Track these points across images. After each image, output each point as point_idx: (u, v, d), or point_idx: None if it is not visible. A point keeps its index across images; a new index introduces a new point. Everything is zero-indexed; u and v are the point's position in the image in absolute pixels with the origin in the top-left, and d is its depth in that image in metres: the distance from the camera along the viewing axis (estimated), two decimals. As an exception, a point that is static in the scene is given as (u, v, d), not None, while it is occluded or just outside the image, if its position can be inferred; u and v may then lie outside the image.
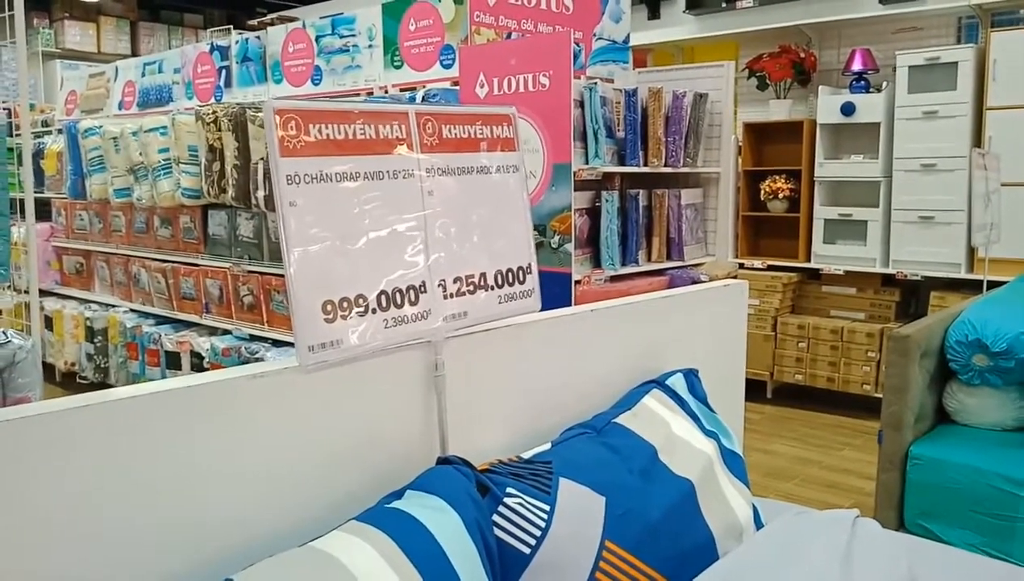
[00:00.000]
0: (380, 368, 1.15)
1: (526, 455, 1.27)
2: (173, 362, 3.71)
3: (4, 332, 1.76)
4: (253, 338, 3.45)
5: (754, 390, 4.67)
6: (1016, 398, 2.46)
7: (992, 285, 3.45)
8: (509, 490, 1.13)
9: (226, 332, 3.62)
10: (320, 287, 1.04)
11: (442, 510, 1.03)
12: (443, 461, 1.14)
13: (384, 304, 1.12)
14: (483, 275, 1.26)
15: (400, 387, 1.18)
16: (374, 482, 1.14)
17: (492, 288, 1.28)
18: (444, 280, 1.20)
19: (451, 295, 1.21)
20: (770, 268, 4.78)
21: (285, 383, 1.04)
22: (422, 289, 1.17)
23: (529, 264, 1.34)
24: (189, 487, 0.94)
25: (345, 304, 1.07)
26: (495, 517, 1.10)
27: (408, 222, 1.15)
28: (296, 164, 1.01)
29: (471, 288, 1.24)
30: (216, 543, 0.97)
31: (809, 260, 4.71)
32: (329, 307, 1.06)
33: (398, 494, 1.08)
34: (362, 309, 1.09)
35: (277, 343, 3.35)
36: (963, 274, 4.15)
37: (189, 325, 3.86)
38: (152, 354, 3.79)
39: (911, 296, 4.59)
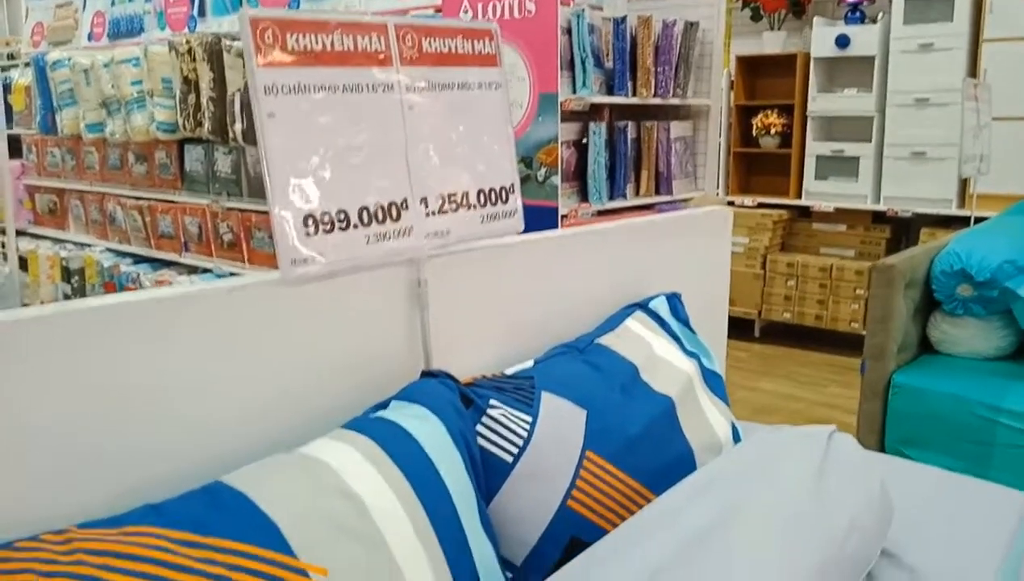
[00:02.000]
0: (363, 285, 1.16)
1: (508, 372, 1.28)
2: (154, 301, 3.69)
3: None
4: (234, 276, 3.45)
5: (742, 329, 4.71)
6: (998, 327, 2.49)
7: (981, 221, 3.46)
8: (492, 402, 1.15)
9: (206, 271, 3.61)
10: (301, 201, 1.04)
11: (426, 418, 1.05)
12: (427, 375, 1.16)
13: (366, 220, 1.12)
14: (466, 194, 1.26)
15: (383, 304, 1.19)
16: (358, 397, 1.15)
17: (475, 207, 1.28)
18: (426, 197, 1.20)
19: (433, 213, 1.21)
20: (760, 206, 4.78)
21: (267, 297, 1.05)
22: (404, 206, 1.17)
23: (512, 184, 1.34)
24: (168, 399, 0.96)
25: (327, 218, 1.07)
26: (478, 427, 1.13)
27: (389, 137, 1.14)
28: (273, 74, 1.00)
29: (453, 206, 1.24)
30: (197, 457, 0.99)
31: (800, 197, 4.71)
32: (310, 221, 1.06)
33: (383, 405, 1.10)
34: (343, 224, 1.10)
35: (261, 280, 3.33)
36: (954, 210, 4.16)
37: (168, 264, 3.83)
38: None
39: (902, 233, 4.61)
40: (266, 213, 2.98)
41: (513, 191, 1.34)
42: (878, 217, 4.55)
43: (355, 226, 1.11)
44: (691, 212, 1.89)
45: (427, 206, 1.21)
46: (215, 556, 0.81)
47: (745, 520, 1.06)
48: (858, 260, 4.59)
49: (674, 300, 1.64)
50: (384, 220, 1.15)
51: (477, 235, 1.29)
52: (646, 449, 1.27)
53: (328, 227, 1.08)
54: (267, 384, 1.06)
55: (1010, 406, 2.17)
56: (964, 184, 4.10)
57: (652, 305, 1.60)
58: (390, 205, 1.16)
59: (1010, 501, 1.49)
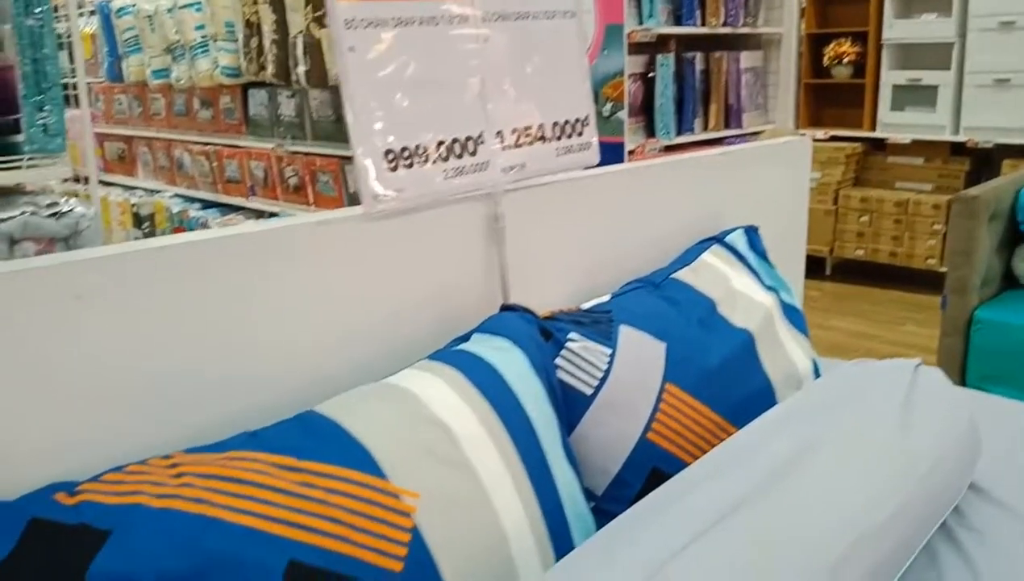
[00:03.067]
0: (442, 219, 1.16)
1: (585, 306, 1.28)
2: (222, 246, 3.77)
3: (67, 200, 1.80)
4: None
5: (813, 267, 4.60)
6: (1089, 259, 2.39)
7: None
8: (571, 335, 1.15)
9: (273, 214, 3.67)
10: (382, 134, 1.04)
11: (509, 350, 1.06)
12: (507, 308, 1.16)
13: (444, 154, 1.12)
14: (541, 126, 1.25)
15: (461, 238, 1.19)
16: (439, 330, 1.17)
17: (549, 140, 1.27)
18: (502, 131, 1.19)
19: (509, 146, 1.21)
20: (832, 139, 4.63)
21: (350, 231, 1.06)
22: (480, 140, 1.17)
23: (587, 116, 1.32)
24: (258, 331, 0.98)
25: (406, 153, 1.08)
26: (558, 360, 1.13)
27: (464, 70, 1.13)
28: (353, 8, 0.99)
29: (529, 139, 1.23)
30: (288, 387, 1.02)
31: (874, 129, 4.54)
32: (391, 155, 1.06)
33: (465, 338, 1.11)
34: (423, 158, 1.10)
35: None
36: (1038, 138, 3.97)
37: (235, 208, 3.89)
38: (201, 238, 3.86)
39: (982, 166, 4.42)
40: (330, 157, 2.98)
41: (588, 123, 1.33)
42: (957, 148, 4.37)
43: (433, 161, 1.11)
44: (768, 143, 1.84)
45: (503, 140, 1.20)
46: (313, 480, 0.83)
47: (827, 452, 1.05)
48: (936, 194, 4.42)
49: (752, 233, 1.61)
50: (461, 154, 1.15)
51: (552, 169, 1.28)
52: (725, 382, 1.27)
53: (408, 162, 1.08)
54: (352, 316, 1.08)
55: (1101, 340, 2.09)
56: (1051, 111, 3.90)
57: (729, 239, 1.57)
58: (467, 139, 1.15)
59: (1104, 435, 1.44)
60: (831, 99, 4.84)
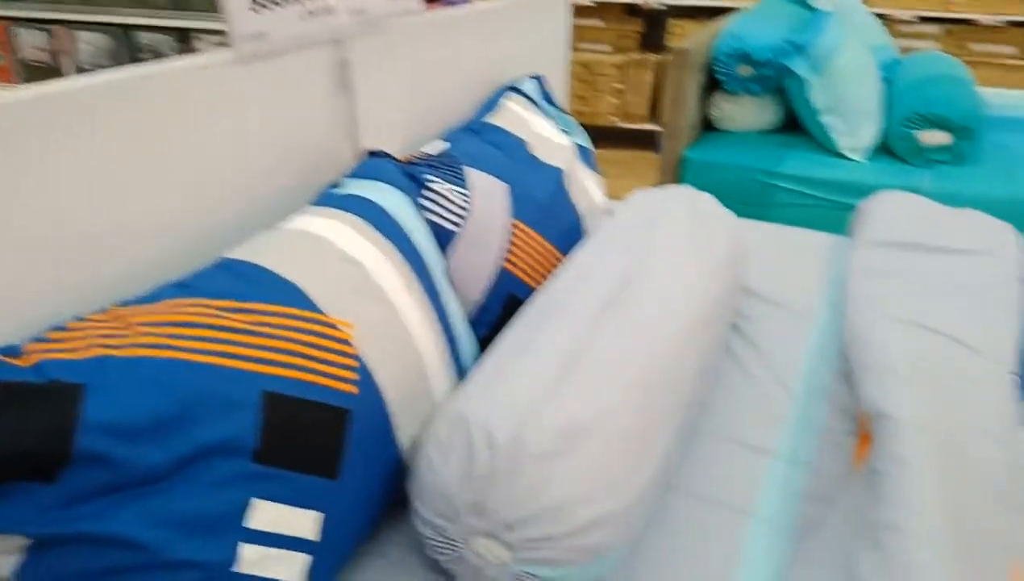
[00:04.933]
0: (296, 65, 1.15)
1: (428, 151, 1.35)
2: None
3: None
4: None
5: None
6: (771, 103, 2.86)
7: (729, 11, 3.77)
8: (430, 177, 1.23)
9: None
10: (246, -26, 1.00)
11: (390, 192, 1.11)
12: (372, 154, 1.20)
13: (298, -3, 1.10)
14: (378, -29, 1.25)
15: (316, 85, 1.19)
16: (302, 177, 1.18)
17: (385, -14, 1.28)
18: (346, -26, 1.19)
19: (353, -9, 1.21)
20: None
21: (222, 76, 1.02)
22: (328, -17, 1.16)
23: (413, -38, 1.34)
24: (124, 185, 0.94)
25: (267, -6, 1.05)
26: (421, 201, 1.20)
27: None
28: None
29: (369, -16, 1.24)
30: (159, 242, 0.99)
31: (573, -12, 4.82)
32: (254, -3, 1.03)
33: (337, 185, 1.14)
34: (279, 1, 1.07)
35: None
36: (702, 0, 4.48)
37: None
38: None
39: (653, 26, 4.89)
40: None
41: (413, -30, 1.35)
42: (631, 10, 4.77)
43: (289, 2, 1.09)
44: (538, -3, 1.96)
45: (347, -17, 1.19)
46: (261, 318, 0.86)
47: (654, 261, 1.25)
48: (615, 54, 4.83)
49: (540, 82, 1.75)
50: (313, -3, 1.13)
51: (389, 11, 1.30)
52: (552, 215, 1.42)
53: (268, 3, 1.05)
54: (225, 165, 1.05)
55: (785, 170, 2.56)
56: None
57: (522, 87, 1.70)
58: (314, -18, 1.14)
59: (815, 239, 1.84)
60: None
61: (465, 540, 0.87)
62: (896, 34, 4.02)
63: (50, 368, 0.72)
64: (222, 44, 3.20)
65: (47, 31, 3.51)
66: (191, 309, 0.83)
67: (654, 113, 4.58)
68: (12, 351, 0.74)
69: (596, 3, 4.73)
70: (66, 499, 0.70)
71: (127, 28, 3.33)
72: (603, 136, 4.85)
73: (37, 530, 0.70)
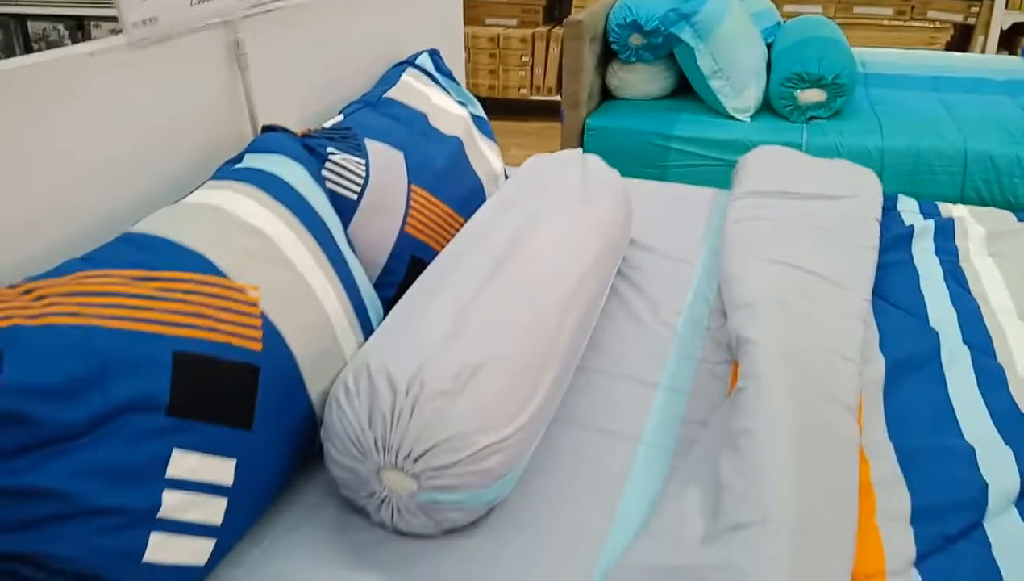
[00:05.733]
0: (189, 48, 1.20)
1: (326, 125, 1.41)
2: None
3: None
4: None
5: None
6: (662, 70, 2.98)
7: None
8: (329, 149, 1.29)
9: None
10: (133, -39, 1.05)
11: (288, 164, 1.18)
12: (268, 129, 1.26)
13: (186, -19, 1.15)
14: (264, -46, 1.30)
15: (208, 67, 1.24)
16: (202, 156, 1.23)
17: (272, -32, 1.33)
18: (233, -42, 1.24)
19: (240, -26, 1.26)
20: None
21: (115, 62, 1.06)
22: (215, -33, 1.20)
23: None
24: (30, 167, 0.98)
25: (155, -20, 1.09)
26: (324, 172, 1.27)
27: None
28: None
29: (256, -33, 1.29)
30: (66, 225, 1.04)
31: (472, -36, 4.87)
32: (142, -17, 1.07)
33: (237, 159, 1.20)
34: (170, -14, 1.12)
35: None
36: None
37: None
38: None
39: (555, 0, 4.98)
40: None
41: (300, -48, 1.40)
42: (534, -17, 4.85)
43: (180, -12, 1.14)
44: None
45: (234, -33, 1.24)
46: (169, 285, 0.92)
47: (545, 219, 1.35)
48: (521, 28, 4.90)
49: (435, 56, 1.82)
50: (202, -19, 1.18)
51: (276, -4, 1.35)
52: (451, 181, 1.50)
53: (158, -11, 1.10)
54: (118, 150, 1.10)
55: (678, 133, 2.70)
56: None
57: (419, 61, 1.77)
58: (202, -34, 1.18)
59: (700, 195, 1.97)
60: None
61: (375, 476, 0.95)
62: (783, 1, 4.21)
63: (-35, 338, 0.77)
64: (118, 31, 3.16)
65: (-67, 24, 3.39)
66: (100, 280, 0.89)
67: (561, 85, 4.68)
68: (-73, 325, 0.79)
69: (500, -22, 4.79)
70: (-9, 457, 0.76)
71: (20, 17, 3.25)
72: (513, 109, 4.93)
73: (-35, 488, 0.75)
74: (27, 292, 0.85)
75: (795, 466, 0.90)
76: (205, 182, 1.12)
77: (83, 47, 1.03)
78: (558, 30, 4.62)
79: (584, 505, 1.03)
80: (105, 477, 0.80)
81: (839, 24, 3.38)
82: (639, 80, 3.02)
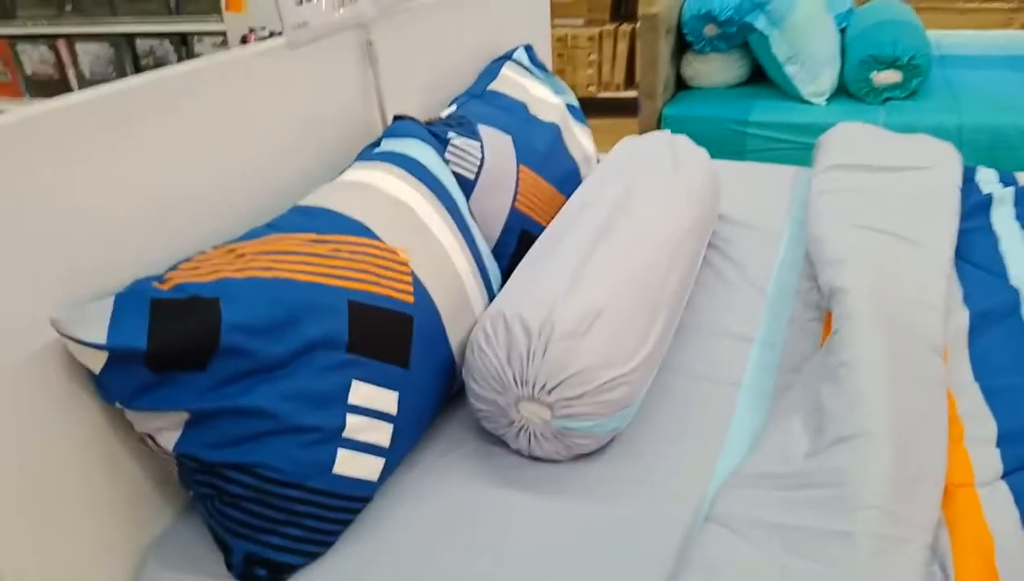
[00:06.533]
0: (333, 48, 1.37)
1: (443, 114, 1.57)
2: None
3: None
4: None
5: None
6: (737, 59, 3.08)
7: None
8: (450, 134, 1.45)
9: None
10: (291, -26, 1.22)
11: (422, 147, 1.34)
12: (399, 118, 1.42)
13: (329, -10, 1.32)
14: (389, -37, 1.47)
15: (347, 63, 1.41)
16: (342, 141, 1.40)
17: (395, -25, 1.50)
18: (365, -32, 1.40)
19: (371, -18, 1.42)
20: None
21: (277, 61, 1.24)
22: (351, -24, 1.37)
23: (416, -47, 1.55)
24: (212, 155, 1.15)
25: (307, -11, 1.26)
26: (447, 155, 1.43)
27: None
28: None
29: (383, -25, 1.46)
30: (248, 197, 1.21)
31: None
32: (298, -8, 1.25)
33: (376, 144, 1.36)
34: (318, -6, 1.29)
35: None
36: (675, -33, 4.69)
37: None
38: None
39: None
40: None
41: (416, -40, 1.56)
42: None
43: (325, -4, 1.31)
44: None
45: (366, -24, 1.41)
46: (339, 247, 1.08)
47: (641, 190, 1.48)
48: (588, 27, 5.01)
49: (530, 51, 1.97)
50: (341, -10, 1.35)
51: None
52: (553, 162, 1.65)
53: (309, -3, 1.27)
54: (281, 138, 1.27)
55: (754, 118, 2.79)
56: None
57: (516, 56, 1.92)
58: (340, -24, 1.35)
59: (782, 173, 2.07)
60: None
61: (514, 407, 1.10)
62: (853, -15, 4.24)
63: (189, 288, 0.95)
64: (221, 45, 3.39)
65: (50, 46, 3.69)
66: (285, 241, 1.06)
67: (630, 81, 4.79)
68: (159, 279, 0.97)
69: (566, -21, 4.92)
70: (215, 382, 0.93)
71: (128, 36, 3.52)
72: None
73: (196, 406, 0.92)
74: (231, 250, 1.03)
75: (889, 390, 1.01)
76: (353, 163, 1.29)
77: (254, 47, 1.20)
78: (625, 27, 4.73)
79: (694, 437, 1.16)
80: (303, 400, 0.97)
81: (914, 8, 3.42)
82: (714, 69, 3.13)
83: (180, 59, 3.51)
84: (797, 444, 1.00)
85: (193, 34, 3.49)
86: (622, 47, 4.85)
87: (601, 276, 1.19)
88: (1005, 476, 1.00)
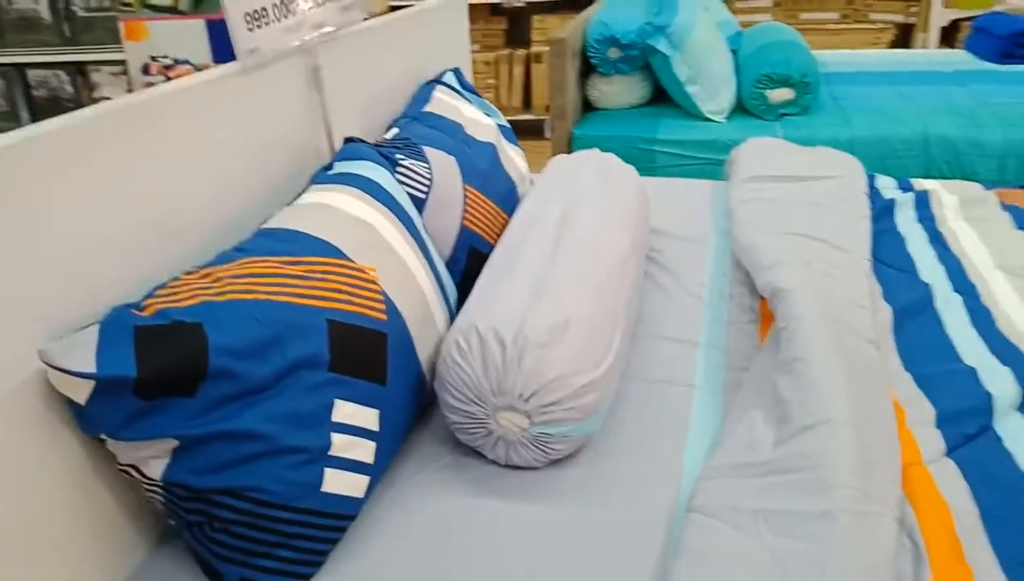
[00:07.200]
0: (282, 73, 1.37)
1: (387, 136, 1.59)
2: None
3: None
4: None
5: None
6: (640, 80, 3.21)
7: (585, 3, 4.08)
8: (399, 156, 1.47)
9: None
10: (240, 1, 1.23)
11: (375, 168, 1.35)
12: (349, 140, 1.43)
13: (276, 16, 1.33)
14: (329, -11, 1.49)
15: (295, 87, 1.41)
16: (294, 166, 1.40)
17: (335, 0, 1.51)
18: (307, -7, 1.42)
19: (313, 7, 1.43)
20: (391, 9, 5.06)
21: (230, 86, 1.23)
22: (294, 3, 1.38)
23: (352, -21, 1.57)
24: (162, 187, 1.14)
25: (257, 15, 1.27)
26: (397, 176, 1.45)
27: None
28: None
29: (321, 0, 1.47)
30: (208, 220, 1.19)
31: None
32: (248, 17, 1.25)
33: (328, 168, 1.37)
34: (267, 19, 1.29)
35: None
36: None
37: None
38: None
39: (515, 23, 5.18)
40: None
41: (353, -15, 1.58)
42: (495, 9, 5.04)
43: (274, 20, 1.31)
44: (429, 4, 2.21)
45: (309, 1, 1.42)
46: (312, 268, 1.09)
47: (581, 206, 1.54)
48: (484, 52, 5.09)
49: (459, 74, 2.01)
50: (287, 15, 1.36)
51: (341, 23, 1.53)
52: (493, 181, 1.69)
53: (258, 21, 1.27)
54: (235, 165, 1.26)
55: (661, 136, 2.92)
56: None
57: (445, 79, 1.95)
58: (283, 2, 1.36)
59: (699, 186, 2.18)
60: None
61: (491, 417, 1.13)
62: (735, 11, 4.49)
63: (170, 313, 0.93)
64: (121, 74, 3.29)
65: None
66: (258, 264, 1.05)
67: (527, 104, 4.90)
68: (136, 306, 0.95)
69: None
70: (204, 407, 0.92)
71: (18, 67, 3.36)
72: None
73: (184, 432, 0.91)
74: (205, 275, 1.02)
75: (843, 381, 1.10)
76: (310, 186, 1.30)
77: (207, 74, 1.19)
78: (520, 52, 4.83)
79: (660, 435, 1.22)
80: (289, 421, 0.97)
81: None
82: (618, 91, 3.25)
83: (76, 89, 3.38)
84: (762, 434, 1.07)
85: (89, 63, 3.37)
86: (518, 71, 4.96)
87: (564, 288, 1.24)
88: (949, 453, 1.10)
